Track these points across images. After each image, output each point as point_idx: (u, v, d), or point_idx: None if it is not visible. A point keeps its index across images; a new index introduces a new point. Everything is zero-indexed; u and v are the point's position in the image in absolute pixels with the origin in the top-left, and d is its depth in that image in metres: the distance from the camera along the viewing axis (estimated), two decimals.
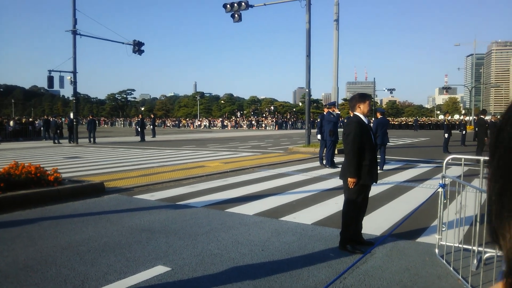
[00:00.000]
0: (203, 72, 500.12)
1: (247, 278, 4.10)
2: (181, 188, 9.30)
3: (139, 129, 31.38)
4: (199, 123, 78.39)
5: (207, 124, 75.49)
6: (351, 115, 5.38)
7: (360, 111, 5.12)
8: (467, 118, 42.59)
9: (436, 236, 4.87)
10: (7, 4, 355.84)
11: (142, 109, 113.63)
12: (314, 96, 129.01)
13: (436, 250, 4.81)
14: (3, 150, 21.39)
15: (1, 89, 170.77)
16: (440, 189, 4.81)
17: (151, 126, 35.59)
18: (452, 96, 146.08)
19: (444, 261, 4.51)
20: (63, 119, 55.85)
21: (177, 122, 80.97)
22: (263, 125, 69.89)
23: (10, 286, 3.90)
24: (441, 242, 4.79)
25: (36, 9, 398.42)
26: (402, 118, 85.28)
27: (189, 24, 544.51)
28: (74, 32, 25.42)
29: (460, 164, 5.48)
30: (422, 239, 5.44)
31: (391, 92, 67.43)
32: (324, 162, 13.56)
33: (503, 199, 0.50)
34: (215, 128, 71.91)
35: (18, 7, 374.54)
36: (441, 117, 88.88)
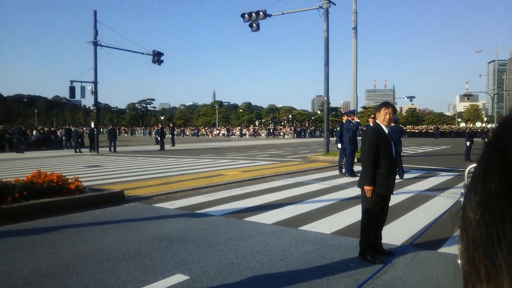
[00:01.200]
0: (222, 81, 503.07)
1: (266, 287, 4.08)
2: (200, 197, 9.34)
3: (158, 138, 31.68)
4: (217, 131, 78.77)
5: (226, 132, 75.80)
6: (371, 123, 5.34)
7: (379, 120, 5.08)
8: (489, 125, 41.80)
9: (459, 246, 4.77)
10: (31, 17, 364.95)
11: (162, 118, 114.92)
12: (333, 104, 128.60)
13: (459, 261, 4.67)
14: (27, 159, 21.82)
15: (25, 100, 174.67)
16: (462, 199, 4.72)
17: (171, 135, 35.90)
18: (473, 103, 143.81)
19: None
20: (84, 128, 56.75)
21: (196, 131, 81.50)
22: (281, 133, 69.83)
23: None
24: None
25: (58, 21, 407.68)
26: (423, 126, 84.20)
27: (207, 34, 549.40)
28: (95, 43, 25.91)
29: None
30: (444, 250, 5.34)
31: (411, 100, 66.53)
32: (344, 170, 13.46)
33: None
34: (233, 136, 72.13)
35: (41, 21, 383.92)
36: (462, 124, 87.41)
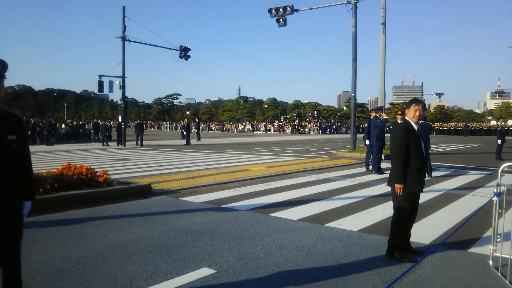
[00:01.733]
0: (247, 77, 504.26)
1: (292, 283, 4.07)
2: (226, 191, 9.38)
3: (184, 132, 31.97)
4: (242, 127, 78.95)
5: (250, 128, 75.90)
6: (399, 120, 5.25)
7: (409, 116, 4.98)
8: None
9: (490, 247, 4.66)
10: (61, 13, 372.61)
11: (188, 113, 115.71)
12: (360, 100, 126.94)
13: (490, 262, 4.59)
14: (56, 151, 22.35)
15: (55, 94, 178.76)
16: (495, 198, 4.59)
17: (196, 130, 36.18)
18: (505, 100, 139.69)
19: (500, 274, 4.30)
20: (111, 122, 57.74)
21: (221, 126, 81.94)
22: (307, 129, 69.49)
23: (64, 282, 4.05)
24: (496, 254, 4.57)
25: (88, 17, 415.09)
26: (451, 124, 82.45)
27: (233, 29, 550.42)
28: (124, 39, 26.28)
29: None
30: (474, 250, 5.21)
31: (439, 97, 65.22)
32: (371, 167, 13.30)
33: None
34: (258, 132, 72.19)
35: (71, 17, 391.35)
36: (493, 122, 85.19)
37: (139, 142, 27.82)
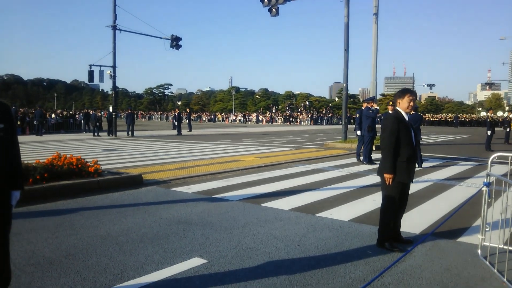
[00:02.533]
0: (239, 67, 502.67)
1: (284, 273, 4.08)
2: (217, 182, 9.37)
3: (176, 123, 31.85)
4: (234, 117, 78.82)
5: (242, 118, 75.79)
6: (390, 111, 5.25)
7: (400, 106, 4.97)
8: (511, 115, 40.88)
9: (479, 236, 4.71)
10: (51, 2, 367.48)
11: (179, 103, 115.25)
12: (351, 91, 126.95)
13: (479, 251, 4.64)
14: (46, 141, 22.16)
15: (45, 83, 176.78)
16: (485, 188, 4.63)
17: (188, 120, 36.05)
18: (495, 92, 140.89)
19: (488, 263, 4.35)
20: (102, 112, 57.29)
21: (212, 116, 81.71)
22: (298, 120, 69.54)
23: (55, 272, 4.03)
24: (485, 243, 4.62)
25: (77, 5, 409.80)
26: (442, 115, 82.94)
27: (225, 19, 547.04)
28: (114, 28, 26.02)
29: (505, 163, 5.27)
30: (463, 239, 5.27)
31: (430, 88, 65.48)
32: (362, 158, 13.35)
33: None
34: (250, 122, 72.12)
35: (61, 5, 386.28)
36: (483, 113, 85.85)
37: (130, 133, 27.68)
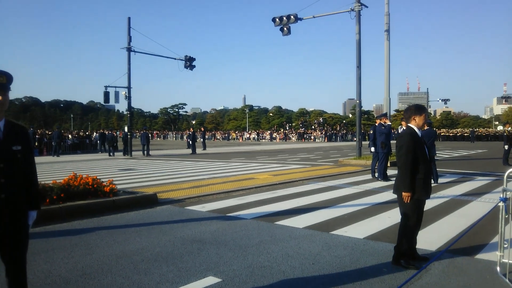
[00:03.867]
0: (252, 86, 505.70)
1: None
2: (231, 200, 9.38)
3: (190, 142, 32.04)
4: (248, 135, 79.01)
5: (256, 136, 75.93)
6: (404, 127, 5.23)
7: (415, 124, 4.94)
8: None
9: (497, 253, 4.62)
10: (67, 25, 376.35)
11: (193, 122, 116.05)
12: (365, 107, 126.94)
13: (498, 268, 4.56)
14: (63, 162, 22.47)
15: (62, 105, 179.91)
16: (501, 203, 4.57)
17: (202, 139, 36.24)
18: None
19: (507, 280, 4.26)
20: (117, 132, 57.95)
21: (226, 135, 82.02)
22: (312, 137, 69.41)
23: None
24: (503, 260, 4.54)
25: (93, 29, 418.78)
26: (457, 129, 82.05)
27: (238, 38, 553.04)
28: (129, 49, 26.50)
29: None
30: (481, 256, 5.18)
31: (445, 103, 65.04)
32: (376, 175, 13.26)
33: None
34: (263, 140, 72.19)
35: (76, 27, 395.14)
36: (500, 128, 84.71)
37: (145, 152, 27.93)
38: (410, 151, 4.74)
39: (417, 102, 7.88)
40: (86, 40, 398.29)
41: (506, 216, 4.59)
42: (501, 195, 4.62)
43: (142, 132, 31.39)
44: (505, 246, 4.58)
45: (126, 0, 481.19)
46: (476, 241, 5.83)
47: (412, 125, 4.96)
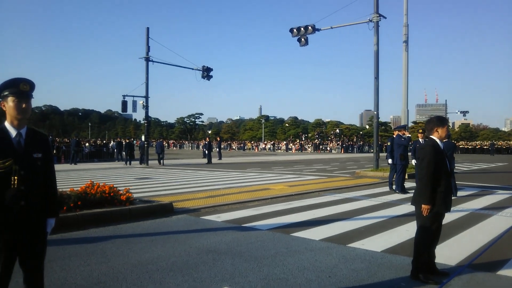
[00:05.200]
0: (268, 96, 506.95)
1: None
2: (247, 210, 9.34)
3: (206, 151, 32.14)
4: (263, 146, 78.99)
5: (272, 147, 75.86)
6: (420, 139, 5.16)
7: (437, 136, 4.86)
8: None
9: None
10: (87, 35, 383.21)
11: (209, 132, 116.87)
12: (382, 118, 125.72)
13: None
14: (80, 170, 22.72)
15: (80, 113, 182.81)
16: None
17: (218, 149, 36.33)
18: None
19: None
20: (134, 141, 58.43)
21: (242, 145, 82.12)
22: (328, 148, 69.08)
23: None
24: None
25: (112, 38, 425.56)
26: (477, 142, 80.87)
27: (255, 48, 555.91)
28: (147, 59, 26.80)
29: None
30: (503, 272, 5.03)
31: (464, 115, 64.20)
32: (394, 187, 13.09)
33: None
34: (279, 151, 72.07)
35: (96, 37, 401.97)
36: None
37: (161, 161, 28.10)
38: (432, 163, 4.66)
39: (435, 114, 7.78)
40: (105, 50, 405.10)
41: None
42: None
43: (157, 141, 31.60)
44: None
45: (145, 11, 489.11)
46: (498, 257, 5.68)
47: (434, 136, 4.88)
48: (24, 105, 2.91)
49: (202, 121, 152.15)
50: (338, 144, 69.96)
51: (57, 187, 3.30)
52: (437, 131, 4.87)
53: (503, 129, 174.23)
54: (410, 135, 13.85)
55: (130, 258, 5.53)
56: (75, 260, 5.42)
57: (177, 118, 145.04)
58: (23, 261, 2.93)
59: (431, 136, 4.91)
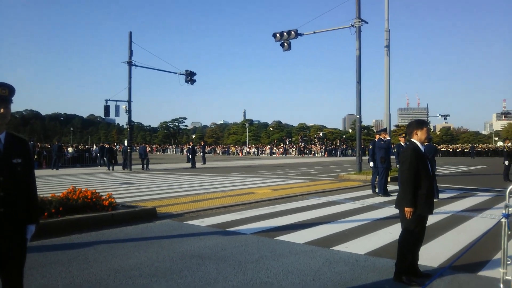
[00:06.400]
0: (252, 100, 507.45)
1: None
2: (231, 215, 9.32)
3: (190, 156, 32.00)
4: (248, 150, 78.97)
5: (256, 151, 75.90)
6: (401, 142, 5.21)
7: (417, 138, 4.92)
8: None
9: (501, 270, 4.56)
10: (67, 39, 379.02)
11: (193, 136, 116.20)
12: (365, 122, 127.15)
13: (501, 285, 4.49)
14: (62, 175, 22.40)
15: (62, 118, 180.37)
16: (504, 219, 4.52)
17: (202, 153, 36.19)
18: (511, 121, 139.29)
19: None
20: (117, 146, 57.87)
21: (226, 149, 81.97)
22: (312, 152, 69.39)
23: None
24: (507, 277, 4.47)
25: (94, 42, 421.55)
26: (458, 145, 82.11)
27: (238, 53, 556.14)
28: (130, 64, 26.64)
29: None
30: (484, 273, 5.11)
31: (445, 118, 65.16)
32: (377, 190, 13.20)
33: None
34: (263, 155, 72.13)
35: (78, 42, 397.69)
36: (499, 143, 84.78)
37: (144, 166, 27.87)
38: (412, 166, 4.71)
39: (417, 118, 7.84)
40: (87, 54, 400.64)
41: (509, 232, 4.54)
42: (504, 211, 4.57)
43: (140, 146, 31.37)
44: (508, 262, 4.52)
45: (128, 15, 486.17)
46: (479, 258, 5.77)
47: (414, 139, 4.94)
48: (2, 110, 2.86)
49: (186, 126, 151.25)
50: (321, 148, 70.33)
51: (38, 193, 3.24)
52: (417, 134, 4.93)
53: (483, 132, 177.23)
54: (390, 138, 13.99)
55: (113, 264, 5.47)
56: (56, 267, 5.34)
57: (160, 123, 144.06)
58: (2, 268, 2.87)
59: (411, 140, 4.98)
